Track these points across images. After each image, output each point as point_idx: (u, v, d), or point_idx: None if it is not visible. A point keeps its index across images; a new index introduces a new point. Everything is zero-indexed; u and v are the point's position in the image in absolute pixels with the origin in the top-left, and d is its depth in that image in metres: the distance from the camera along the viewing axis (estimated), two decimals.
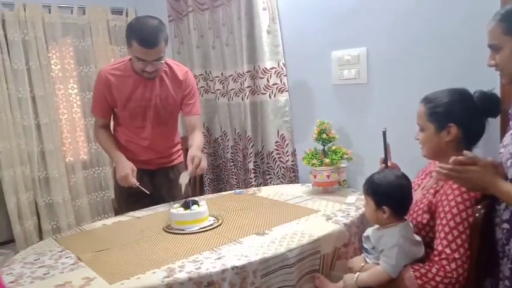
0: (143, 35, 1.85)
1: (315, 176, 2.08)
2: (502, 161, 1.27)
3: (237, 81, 2.64)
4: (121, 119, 2.13)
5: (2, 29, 2.92)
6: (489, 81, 1.55)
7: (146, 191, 1.94)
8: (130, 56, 1.97)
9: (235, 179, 2.78)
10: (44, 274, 1.38)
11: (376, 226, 1.44)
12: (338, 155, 2.06)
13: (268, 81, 2.43)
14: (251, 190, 2.30)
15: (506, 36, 1.19)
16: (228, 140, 2.79)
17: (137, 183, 1.95)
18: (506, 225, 1.25)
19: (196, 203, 1.75)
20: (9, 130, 2.97)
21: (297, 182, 2.44)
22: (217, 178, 2.98)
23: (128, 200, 2.11)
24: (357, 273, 1.39)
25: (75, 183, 3.31)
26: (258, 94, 2.50)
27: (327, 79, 2.24)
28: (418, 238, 1.39)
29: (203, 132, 2.63)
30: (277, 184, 2.49)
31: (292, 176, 2.45)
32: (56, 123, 3.17)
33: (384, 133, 1.55)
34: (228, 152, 2.79)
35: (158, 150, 2.19)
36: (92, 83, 3.29)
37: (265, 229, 1.64)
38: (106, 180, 3.46)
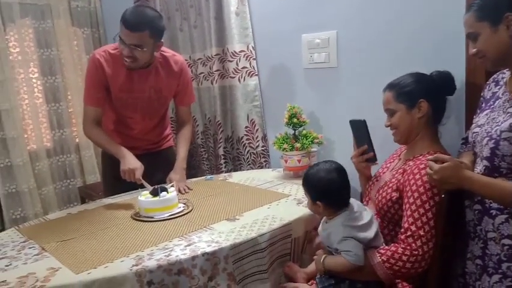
0: (128, 16, 1.77)
1: (286, 161, 2.08)
2: (477, 139, 1.30)
3: (206, 65, 2.59)
4: (108, 105, 2.03)
5: None
6: (459, 66, 1.59)
7: (150, 186, 1.81)
8: None
9: (207, 165, 2.75)
10: (6, 266, 1.31)
11: (323, 219, 1.45)
12: (309, 140, 2.06)
13: (237, 64, 2.39)
14: (222, 176, 2.28)
15: (481, 23, 1.22)
16: (198, 125, 2.74)
17: (142, 180, 1.85)
18: (478, 206, 1.29)
19: (165, 189, 1.72)
20: None
21: (269, 167, 2.43)
22: (187, 164, 2.92)
23: (115, 182, 2.02)
24: (324, 255, 1.41)
25: (40, 171, 3.19)
26: (227, 78, 2.46)
27: (297, 63, 2.22)
28: (365, 220, 1.37)
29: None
30: (248, 170, 2.47)
31: (263, 161, 2.44)
32: (17, 109, 3.03)
33: (364, 122, 1.55)
34: (198, 138, 2.75)
35: (147, 139, 2.14)
36: (55, 66, 3.21)
37: (236, 214, 1.63)
38: (71, 168, 3.35)
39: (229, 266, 1.37)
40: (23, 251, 1.43)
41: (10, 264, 1.32)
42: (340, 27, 2.02)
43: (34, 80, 3.18)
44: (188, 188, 2.01)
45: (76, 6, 3.26)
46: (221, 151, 2.55)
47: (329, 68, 2.09)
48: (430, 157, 1.27)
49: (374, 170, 1.68)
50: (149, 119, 2.09)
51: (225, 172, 2.51)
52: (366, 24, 1.92)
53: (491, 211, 1.24)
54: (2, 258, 1.38)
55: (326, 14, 2.05)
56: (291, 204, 1.72)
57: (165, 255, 1.32)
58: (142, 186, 1.86)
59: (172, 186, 1.81)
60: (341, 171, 1.39)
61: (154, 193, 1.70)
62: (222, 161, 2.55)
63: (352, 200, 1.41)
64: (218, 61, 2.47)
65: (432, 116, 1.46)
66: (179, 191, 1.93)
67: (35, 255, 1.39)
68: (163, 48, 1.96)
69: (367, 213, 1.39)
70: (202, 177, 2.30)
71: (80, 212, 1.84)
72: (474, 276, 1.32)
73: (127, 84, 1.94)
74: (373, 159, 1.58)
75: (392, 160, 1.63)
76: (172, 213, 1.67)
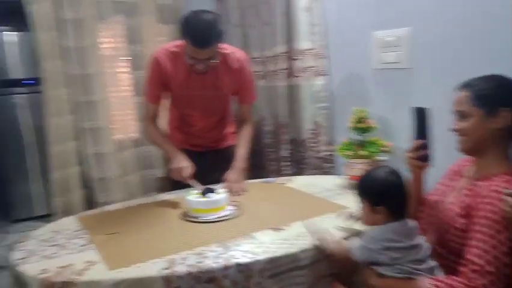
0: (196, 34, 1.75)
1: (349, 169, 1.92)
2: None
3: (274, 63, 2.50)
4: (172, 103, 2.08)
5: (53, 7, 2.98)
6: None
7: (198, 186, 1.81)
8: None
9: (272, 167, 2.67)
10: (53, 254, 1.38)
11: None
12: (376, 147, 1.88)
13: (304, 63, 2.27)
14: (282, 179, 2.18)
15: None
16: (266, 125, 2.68)
17: (190, 180, 1.86)
18: None
19: (211, 190, 1.68)
20: (62, 106, 3.05)
21: (334, 174, 2.28)
22: (253, 164, 2.86)
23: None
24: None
25: (125, 160, 3.38)
26: (293, 77, 2.35)
27: (367, 63, 2.04)
28: (413, 242, 1.22)
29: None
30: (311, 175, 2.34)
31: (327, 166, 2.29)
32: (107, 101, 3.23)
33: (424, 110, 1.36)
34: (265, 138, 2.68)
35: (207, 137, 2.15)
36: (142, 62, 3.36)
37: (283, 224, 1.53)
38: (150, 159, 3.50)
39: (264, 280, 1.29)
40: (72, 241, 1.49)
41: (56, 253, 1.39)
42: (415, 23, 1.80)
43: (123, 75, 3.37)
44: (243, 190, 1.95)
45: (161, 3, 3.38)
46: (284, 153, 2.46)
47: (402, 69, 1.88)
48: (507, 191, 1.05)
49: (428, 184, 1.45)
50: (209, 117, 2.08)
51: (289, 175, 2.41)
52: (443, 21, 1.69)
53: None
54: (53, 245, 1.46)
55: (399, 9, 1.85)
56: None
57: (197, 262, 1.28)
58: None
59: (223, 188, 1.77)
60: (399, 173, 1.28)
61: (204, 193, 1.68)
62: (286, 164, 2.46)
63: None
64: (285, 59, 2.37)
65: (510, 129, 1.22)
66: (232, 192, 1.89)
67: (81, 245, 1.44)
68: (224, 45, 1.92)
69: (420, 238, 1.25)
70: (262, 180, 2.23)
71: (137, 205, 1.89)
72: None
73: (186, 81, 1.95)
74: (426, 158, 1.35)
75: (454, 178, 1.39)
76: (218, 215, 1.63)
